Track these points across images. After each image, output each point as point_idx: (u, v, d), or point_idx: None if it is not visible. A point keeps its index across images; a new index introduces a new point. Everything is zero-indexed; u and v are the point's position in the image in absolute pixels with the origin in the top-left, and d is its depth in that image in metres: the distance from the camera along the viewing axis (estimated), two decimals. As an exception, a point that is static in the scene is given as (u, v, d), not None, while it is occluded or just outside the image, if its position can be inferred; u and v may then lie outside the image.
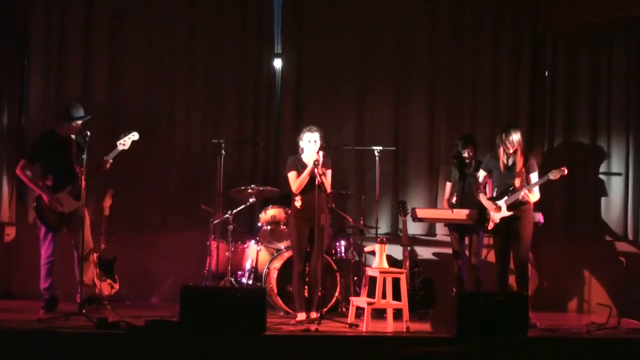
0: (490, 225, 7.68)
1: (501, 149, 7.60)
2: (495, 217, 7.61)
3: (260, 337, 6.38)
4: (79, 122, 7.70)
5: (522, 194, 7.45)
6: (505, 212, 7.56)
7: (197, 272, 8.53)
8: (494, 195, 7.71)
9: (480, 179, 7.87)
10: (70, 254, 7.70)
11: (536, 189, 7.56)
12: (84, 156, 7.28)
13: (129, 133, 7.79)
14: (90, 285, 7.78)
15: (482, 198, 7.76)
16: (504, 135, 7.56)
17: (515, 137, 7.55)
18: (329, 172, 7.45)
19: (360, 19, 9.47)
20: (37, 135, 7.98)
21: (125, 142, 7.74)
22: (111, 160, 7.68)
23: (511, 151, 7.56)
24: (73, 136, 7.74)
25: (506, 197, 7.55)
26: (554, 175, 7.50)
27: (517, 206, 7.52)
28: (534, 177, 7.60)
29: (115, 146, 7.72)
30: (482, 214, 7.80)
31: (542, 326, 7.40)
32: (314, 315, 7.25)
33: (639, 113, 9.28)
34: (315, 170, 7.23)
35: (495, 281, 7.67)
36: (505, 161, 7.62)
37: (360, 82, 9.46)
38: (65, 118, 7.70)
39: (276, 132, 9.45)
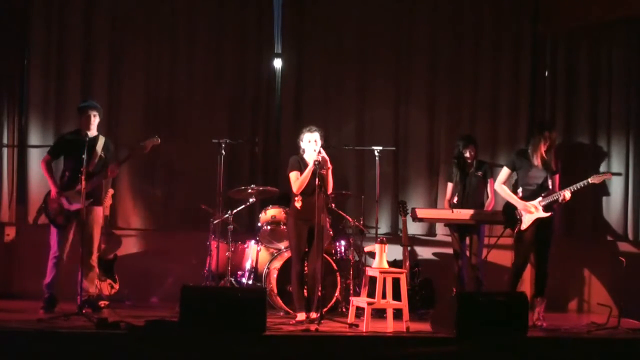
0: (524, 227, 7.58)
1: (540, 147, 7.55)
2: (529, 218, 7.56)
3: (260, 337, 6.38)
4: (89, 112, 7.77)
5: (562, 196, 7.43)
6: (542, 213, 7.53)
7: (197, 272, 8.53)
8: (521, 194, 7.67)
9: (505, 177, 7.80)
10: (75, 253, 7.72)
11: None
12: (84, 156, 7.30)
13: (151, 138, 7.85)
14: (93, 292, 7.81)
15: (513, 198, 7.65)
16: (546, 133, 7.56)
17: (554, 135, 7.58)
18: (329, 171, 7.43)
19: (360, 19, 9.47)
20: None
21: (146, 145, 7.79)
22: (117, 169, 7.77)
23: (550, 148, 7.56)
24: (102, 138, 7.81)
25: (540, 198, 7.54)
26: (597, 179, 7.47)
27: (551, 207, 7.52)
28: (557, 178, 7.60)
29: (137, 148, 7.82)
30: (511, 215, 7.70)
31: (543, 326, 7.41)
32: (313, 315, 7.25)
33: (639, 113, 9.27)
34: (318, 169, 7.22)
35: (510, 281, 7.66)
36: (540, 160, 7.58)
37: (360, 82, 9.46)
38: (77, 111, 7.95)
39: (276, 132, 9.45)
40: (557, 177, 7.66)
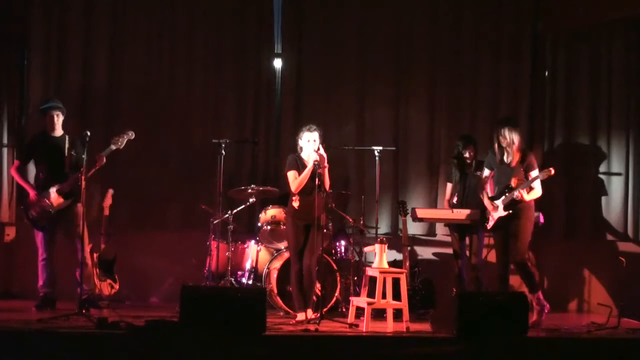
0: (489, 225, 7.68)
1: (496, 145, 7.60)
2: (494, 216, 7.62)
3: (260, 337, 6.38)
4: (52, 113, 7.79)
5: (517, 193, 7.45)
6: (502, 212, 7.56)
7: (197, 272, 8.53)
8: (495, 193, 7.71)
9: (484, 176, 7.84)
10: (68, 254, 7.74)
11: (538, 186, 7.54)
12: (84, 156, 7.32)
13: (125, 132, 7.84)
14: (92, 288, 7.85)
15: (484, 197, 7.75)
16: (499, 130, 7.56)
17: (508, 131, 7.53)
18: (325, 170, 7.42)
19: (360, 18, 9.47)
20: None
21: (120, 141, 7.79)
22: (105, 157, 7.73)
23: (504, 145, 7.54)
24: (67, 136, 7.82)
25: (503, 197, 7.56)
26: (542, 175, 7.46)
27: (513, 205, 7.51)
28: (534, 174, 7.56)
29: (110, 144, 7.79)
30: (483, 213, 7.81)
31: (542, 326, 7.41)
32: (310, 314, 7.25)
33: (639, 113, 9.27)
34: (317, 169, 7.22)
35: (496, 281, 7.67)
36: (500, 157, 7.61)
37: (360, 82, 9.46)
38: (39, 113, 7.99)
39: (276, 132, 9.45)
40: (530, 174, 7.54)
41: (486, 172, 7.84)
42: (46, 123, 7.87)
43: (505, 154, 7.60)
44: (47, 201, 7.68)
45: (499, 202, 7.57)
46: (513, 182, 7.54)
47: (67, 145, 7.81)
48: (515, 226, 7.54)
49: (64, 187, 7.66)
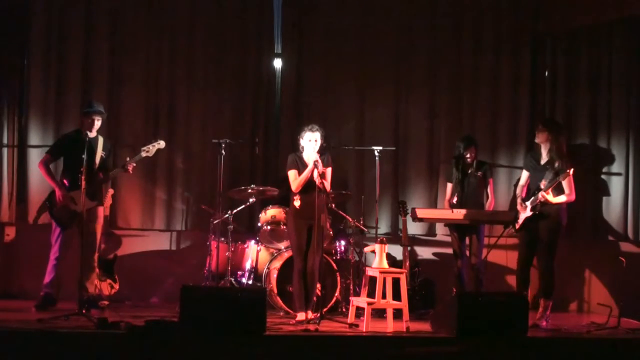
0: (517, 225, 7.73)
1: (535, 145, 7.77)
2: (521, 217, 7.66)
3: (260, 337, 6.38)
4: (93, 117, 7.81)
5: (540, 195, 7.47)
6: (527, 213, 7.58)
7: (197, 272, 8.53)
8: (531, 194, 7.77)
9: (522, 180, 7.93)
10: (75, 253, 7.73)
11: (568, 189, 7.55)
12: (84, 156, 7.32)
13: (155, 141, 7.94)
14: (92, 292, 7.83)
15: (518, 197, 7.85)
16: (537, 132, 7.73)
17: (542, 133, 7.66)
18: (329, 170, 7.45)
19: (360, 18, 9.47)
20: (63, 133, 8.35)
21: (150, 149, 7.90)
22: (134, 164, 7.80)
23: (541, 145, 7.66)
24: (101, 138, 7.85)
25: (532, 198, 7.60)
26: (560, 178, 7.47)
27: (541, 207, 7.52)
28: (559, 177, 7.53)
29: (140, 151, 7.91)
30: (515, 214, 7.85)
31: (542, 325, 7.42)
32: (310, 314, 7.25)
33: (639, 113, 9.27)
34: (316, 170, 7.23)
35: (516, 281, 7.74)
36: (537, 158, 7.73)
37: (360, 82, 9.45)
38: (81, 113, 8.03)
39: (276, 132, 9.45)
40: (566, 176, 7.51)
41: (524, 174, 7.91)
42: (83, 124, 7.85)
43: (541, 156, 7.67)
44: (74, 202, 7.66)
45: (528, 203, 7.61)
46: (542, 184, 7.56)
47: (100, 146, 7.83)
48: (541, 230, 7.58)
49: (92, 188, 7.62)
